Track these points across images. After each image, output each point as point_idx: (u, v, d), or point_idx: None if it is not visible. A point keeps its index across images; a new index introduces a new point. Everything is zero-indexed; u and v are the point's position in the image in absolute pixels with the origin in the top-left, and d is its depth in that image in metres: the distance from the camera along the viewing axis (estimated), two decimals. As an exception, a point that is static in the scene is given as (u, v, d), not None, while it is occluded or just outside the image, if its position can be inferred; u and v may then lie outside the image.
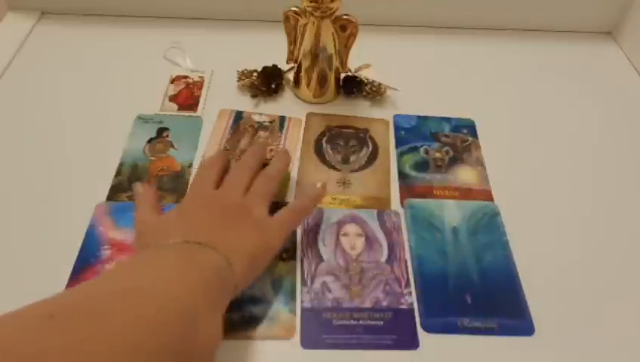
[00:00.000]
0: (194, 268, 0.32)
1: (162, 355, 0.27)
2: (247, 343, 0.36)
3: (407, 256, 0.42)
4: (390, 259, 0.42)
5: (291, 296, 0.39)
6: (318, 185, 0.42)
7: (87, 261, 0.40)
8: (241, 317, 0.37)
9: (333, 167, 0.49)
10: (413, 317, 0.38)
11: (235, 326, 0.37)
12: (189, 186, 0.45)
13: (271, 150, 0.50)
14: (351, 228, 0.44)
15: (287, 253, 0.41)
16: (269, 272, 0.40)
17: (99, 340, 0.25)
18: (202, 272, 0.32)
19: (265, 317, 0.37)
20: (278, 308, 0.38)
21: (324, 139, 0.51)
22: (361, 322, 0.38)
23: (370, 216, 0.45)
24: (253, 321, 0.37)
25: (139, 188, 0.41)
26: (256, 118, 0.53)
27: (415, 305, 0.39)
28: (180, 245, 0.34)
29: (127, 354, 0.25)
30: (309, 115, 0.53)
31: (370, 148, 0.51)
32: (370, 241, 0.43)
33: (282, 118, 0.53)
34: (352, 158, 0.50)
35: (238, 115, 0.53)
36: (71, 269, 0.39)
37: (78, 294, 0.29)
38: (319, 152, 0.50)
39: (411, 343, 0.37)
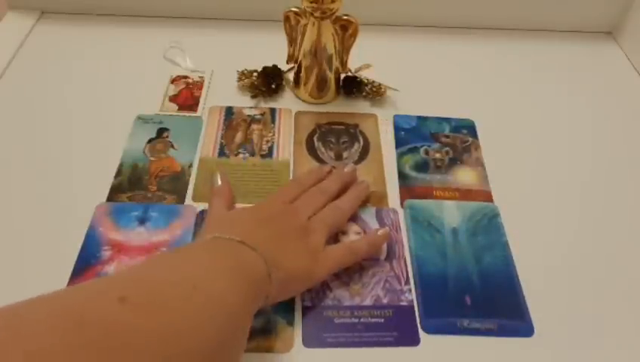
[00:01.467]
0: (245, 276, 0.32)
1: None
2: (244, 355, 0.36)
3: (407, 254, 0.42)
4: (389, 257, 0.42)
5: (290, 308, 0.38)
6: (380, 232, 0.42)
7: (87, 262, 0.40)
8: None
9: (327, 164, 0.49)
10: (414, 314, 0.39)
11: None
12: (270, 195, 0.43)
13: (267, 141, 0.50)
14: (350, 227, 0.44)
15: None
16: None
17: (165, 336, 0.25)
18: (249, 281, 0.32)
19: (263, 330, 0.37)
20: (277, 320, 0.38)
21: (315, 136, 0.51)
22: (362, 320, 0.38)
23: (368, 215, 0.45)
24: (250, 334, 0.36)
25: (217, 179, 0.43)
26: (247, 111, 0.53)
27: (415, 305, 0.39)
28: (235, 245, 0.34)
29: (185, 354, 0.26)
30: (297, 114, 0.53)
31: (362, 143, 0.51)
32: (369, 240, 0.43)
33: (272, 110, 0.53)
34: (345, 154, 0.50)
35: (229, 111, 0.53)
36: (71, 270, 0.39)
37: (146, 280, 0.29)
38: (312, 150, 0.50)
39: (412, 339, 0.37)
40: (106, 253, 0.41)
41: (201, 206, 0.45)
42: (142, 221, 0.43)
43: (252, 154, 0.49)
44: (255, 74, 0.55)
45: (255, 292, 0.32)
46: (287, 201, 0.41)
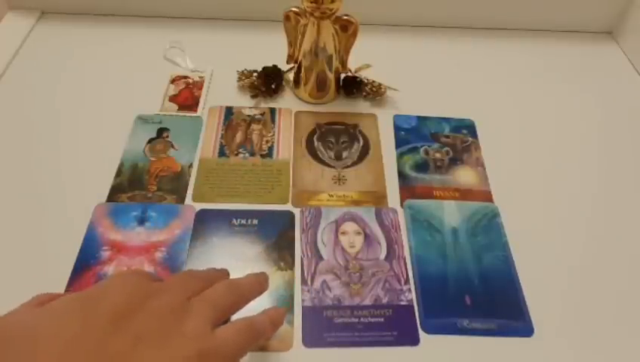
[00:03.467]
0: None
1: None
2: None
3: (406, 253, 0.42)
4: (389, 257, 0.42)
5: (289, 307, 0.39)
6: (280, 309, 0.32)
7: (86, 262, 0.40)
8: None
9: (327, 164, 0.49)
10: (413, 313, 0.39)
11: None
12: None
13: (267, 141, 0.50)
14: (349, 227, 0.44)
15: (285, 263, 0.41)
16: None
17: None
18: None
19: None
20: None
21: (315, 136, 0.51)
22: (361, 319, 0.38)
23: (368, 214, 0.45)
24: None
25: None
26: (247, 111, 0.53)
27: (415, 304, 0.39)
28: None
29: None
30: (297, 114, 0.53)
31: (362, 143, 0.51)
32: (369, 239, 0.43)
33: (272, 110, 0.54)
34: (345, 154, 0.50)
35: (229, 111, 0.53)
36: (70, 270, 0.39)
37: None
38: (311, 150, 0.50)
39: (412, 339, 0.37)
40: (106, 253, 0.41)
41: (201, 206, 0.45)
42: (141, 221, 0.43)
43: (252, 154, 0.49)
44: (255, 74, 0.55)
45: None
46: (147, 280, 0.28)
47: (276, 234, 0.43)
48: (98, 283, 0.28)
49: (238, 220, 0.44)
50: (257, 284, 0.32)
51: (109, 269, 0.40)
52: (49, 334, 0.24)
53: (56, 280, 0.39)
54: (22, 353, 0.23)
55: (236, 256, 0.41)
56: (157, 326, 0.25)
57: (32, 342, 0.23)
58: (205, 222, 0.43)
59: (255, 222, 0.44)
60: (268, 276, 0.34)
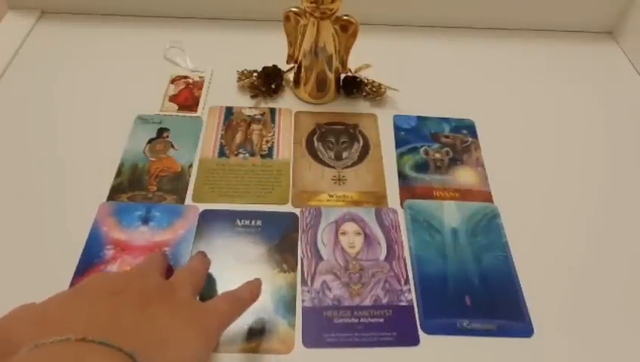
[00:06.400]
0: None
1: None
2: (245, 356, 0.36)
3: (406, 254, 0.42)
4: (389, 257, 0.42)
5: (291, 309, 0.39)
6: (254, 279, 0.36)
7: (90, 261, 0.40)
8: (239, 330, 0.37)
9: (327, 165, 0.49)
10: (413, 314, 0.39)
11: (232, 339, 0.36)
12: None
13: (267, 141, 0.50)
14: (349, 227, 0.44)
15: (288, 265, 0.41)
16: (268, 284, 0.40)
17: None
18: None
19: (263, 331, 0.37)
20: (277, 321, 0.38)
21: (315, 136, 0.51)
22: (361, 320, 0.38)
23: (368, 215, 0.45)
24: (251, 334, 0.37)
25: None
26: (247, 111, 0.53)
27: (415, 305, 0.39)
28: (72, 347, 0.23)
29: None
30: (297, 114, 0.53)
31: (362, 143, 0.51)
32: (369, 239, 0.43)
33: (272, 110, 0.54)
34: (345, 155, 0.50)
35: (229, 111, 0.53)
36: (74, 269, 0.40)
37: None
38: (311, 150, 0.50)
39: (412, 339, 0.37)
40: (109, 252, 0.41)
41: (205, 206, 0.45)
42: (145, 220, 0.43)
43: (252, 154, 0.49)
44: (255, 74, 0.55)
45: None
46: (125, 273, 0.33)
47: (279, 236, 0.43)
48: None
49: (242, 221, 0.44)
50: (204, 263, 0.37)
51: (113, 268, 0.40)
52: (62, 318, 0.26)
53: (60, 278, 0.39)
54: (59, 309, 0.26)
55: (239, 257, 0.42)
56: (156, 297, 0.29)
57: (59, 307, 0.27)
58: (209, 222, 0.43)
59: (259, 223, 0.44)
60: (205, 256, 0.37)
